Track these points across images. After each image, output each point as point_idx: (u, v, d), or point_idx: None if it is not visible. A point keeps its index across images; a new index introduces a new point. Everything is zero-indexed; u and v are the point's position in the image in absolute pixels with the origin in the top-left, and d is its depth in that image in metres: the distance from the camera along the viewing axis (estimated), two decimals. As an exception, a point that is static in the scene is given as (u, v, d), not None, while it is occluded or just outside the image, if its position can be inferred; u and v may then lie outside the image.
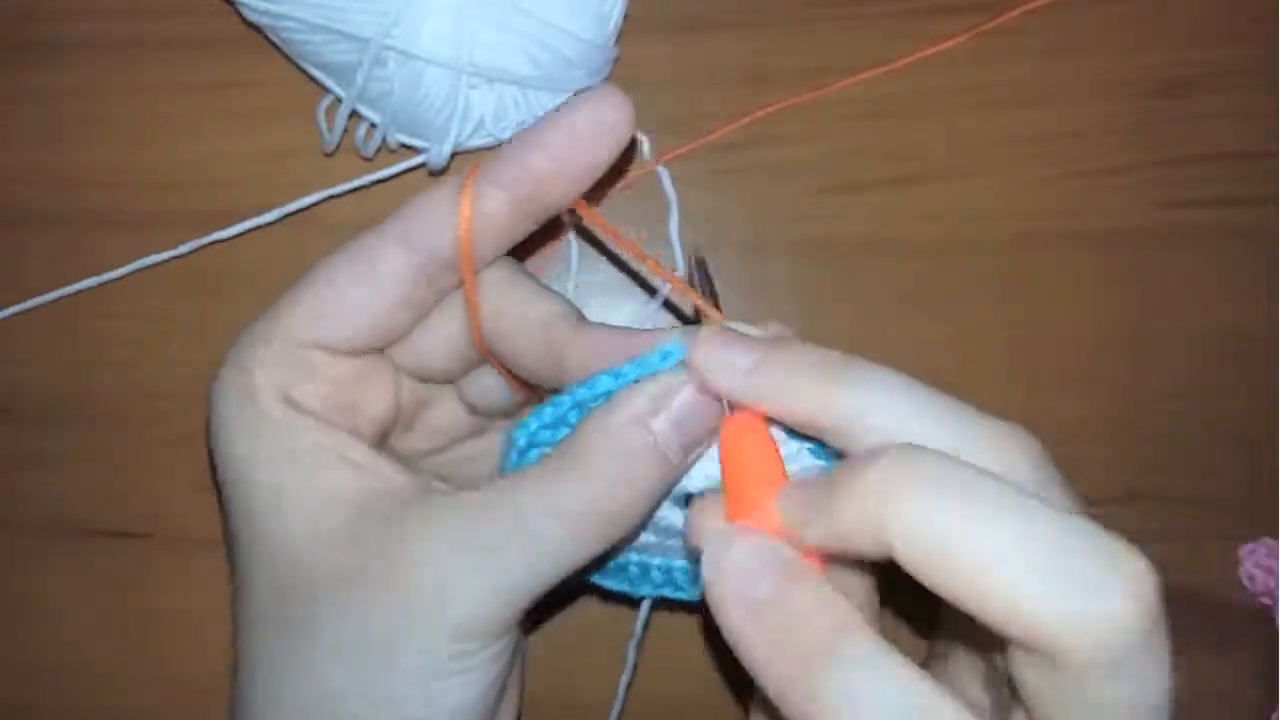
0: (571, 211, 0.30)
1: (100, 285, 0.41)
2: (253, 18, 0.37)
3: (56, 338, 0.41)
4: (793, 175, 0.40)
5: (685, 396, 0.27)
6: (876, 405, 0.24)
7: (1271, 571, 0.38)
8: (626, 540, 0.31)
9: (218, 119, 0.41)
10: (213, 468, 0.30)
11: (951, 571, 0.21)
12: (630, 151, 0.29)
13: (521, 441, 0.30)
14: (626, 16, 0.38)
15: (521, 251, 0.31)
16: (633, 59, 0.40)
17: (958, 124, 0.40)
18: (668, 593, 0.34)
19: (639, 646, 0.35)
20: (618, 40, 0.38)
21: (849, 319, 0.40)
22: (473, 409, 0.34)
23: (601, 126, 0.28)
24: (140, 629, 0.41)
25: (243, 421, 0.28)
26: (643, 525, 0.30)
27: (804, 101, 0.40)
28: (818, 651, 0.23)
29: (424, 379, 0.32)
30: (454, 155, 0.39)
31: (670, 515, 0.31)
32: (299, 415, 0.28)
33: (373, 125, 0.38)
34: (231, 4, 0.37)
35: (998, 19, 0.40)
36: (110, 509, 0.41)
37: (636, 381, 0.28)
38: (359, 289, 0.29)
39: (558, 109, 0.28)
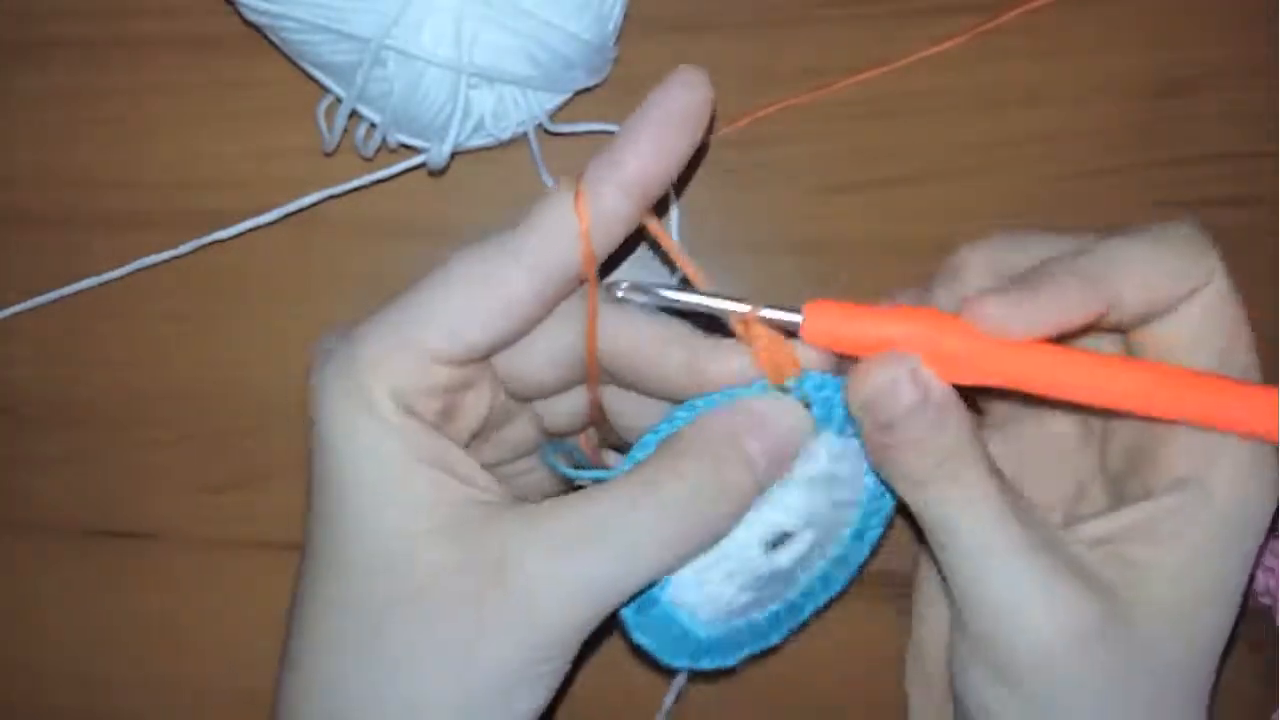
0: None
1: (100, 285, 0.41)
2: (253, 18, 0.37)
3: (56, 338, 0.41)
4: (793, 175, 0.40)
5: (781, 422, 0.29)
6: (1129, 276, 0.29)
7: (1272, 571, 0.38)
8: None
9: (218, 119, 0.41)
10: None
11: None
12: (708, 131, 0.30)
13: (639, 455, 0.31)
14: (626, 16, 0.38)
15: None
16: (633, 59, 0.40)
17: (958, 124, 0.40)
18: (748, 650, 0.33)
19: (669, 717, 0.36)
20: (618, 40, 0.38)
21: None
22: (545, 430, 0.34)
23: (693, 111, 0.29)
24: (140, 630, 0.41)
25: (352, 421, 0.28)
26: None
27: (804, 101, 0.40)
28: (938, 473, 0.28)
29: (518, 394, 0.33)
30: (454, 155, 0.39)
31: (765, 563, 0.31)
32: (410, 419, 0.29)
33: (373, 125, 0.38)
34: (231, 4, 0.37)
35: (998, 19, 0.40)
36: (110, 509, 0.41)
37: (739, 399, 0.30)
38: (476, 300, 0.29)
39: (650, 101, 0.29)
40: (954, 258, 0.31)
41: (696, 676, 0.36)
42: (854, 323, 0.29)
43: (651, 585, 0.29)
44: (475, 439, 0.32)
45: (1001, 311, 0.28)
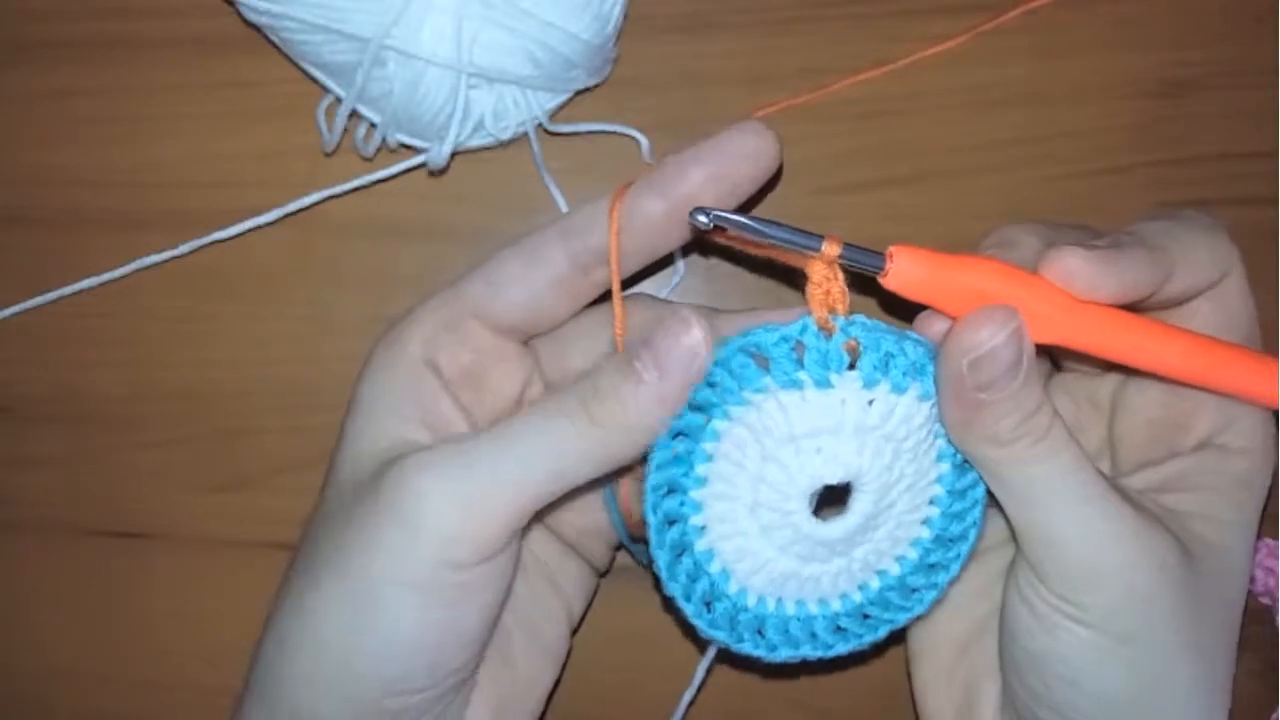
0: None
1: (100, 285, 0.41)
2: (253, 18, 0.37)
3: (56, 338, 0.41)
4: (793, 175, 0.40)
5: (660, 329, 0.29)
6: (1183, 256, 0.31)
7: (1272, 571, 0.38)
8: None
9: (218, 119, 0.41)
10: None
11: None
12: (772, 180, 0.33)
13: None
14: (626, 16, 0.38)
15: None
16: (633, 59, 0.40)
17: (958, 124, 0.40)
18: (806, 652, 0.33)
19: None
20: (618, 40, 0.38)
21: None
22: None
23: (753, 151, 0.31)
24: (140, 629, 0.41)
25: (378, 360, 0.32)
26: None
27: (804, 102, 0.40)
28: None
29: (558, 384, 0.34)
30: (454, 155, 0.39)
31: (807, 524, 0.31)
32: (423, 368, 0.32)
33: (373, 125, 0.38)
34: (231, 4, 0.37)
35: (998, 19, 0.40)
36: (110, 509, 0.41)
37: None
38: (521, 268, 0.32)
39: (718, 134, 0.32)
40: (1003, 232, 0.32)
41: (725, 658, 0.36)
42: (943, 271, 0.29)
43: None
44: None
45: (1093, 270, 0.29)
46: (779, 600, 0.32)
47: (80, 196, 0.41)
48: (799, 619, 0.32)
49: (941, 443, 0.31)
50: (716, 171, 0.31)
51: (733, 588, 0.31)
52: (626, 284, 0.33)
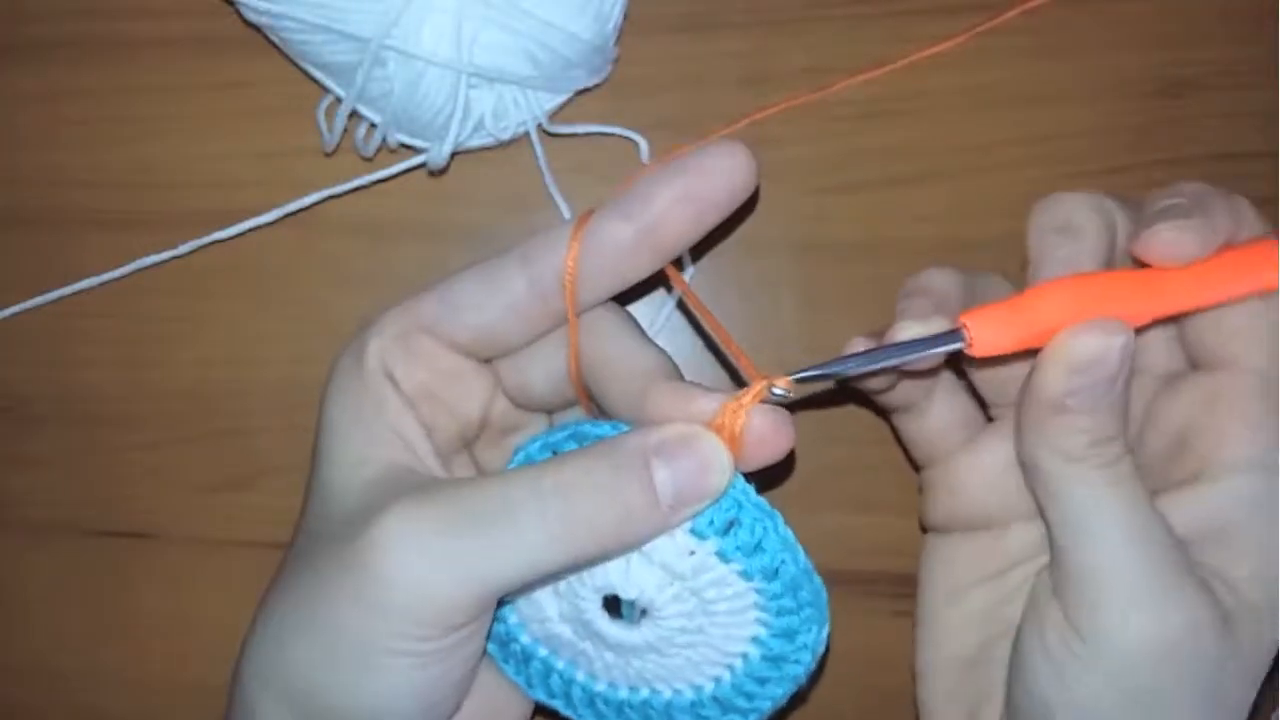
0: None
1: (100, 285, 0.41)
2: (253, 18, 0.37)
3: (56, 338, 0.41)
4: (793, 175, 0.40)
5: (700, 454, 0.28)
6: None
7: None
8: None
9: (218, 119, 0.41)
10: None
11: None
12: (748, 205, 0.31)
13: (520, 457, 0.31)
14: (626, 16, 0.38)
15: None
16: (633, 59, 0.40)
17: (958, 124, 0.40)
18: (557, 705, 0.33)
19: None
20: (618, 40, 0.38)
21: (849, 319, 0.40)
22: None
23: (725, 173, 0.30)
24: (139, 630, 0.41)
25: (343, 378, 0.31)
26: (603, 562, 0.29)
27: (804, 102, 0.40)
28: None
29: (522, 405, 0.33)
30: (454, 155, 0.39)
31: (592, 612, 0.30)
32: (385, 384, 0.31)
33: (373, 125, 0.38)
34: (231, 4, 0.37)
35: (997, 19, 0.40)
36: (109, 509, 0.41)
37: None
38: (478, 289, 0.31)
39: (689, 153, 0.30)
40: (1064, 215, 0.30)
41: None
42: (1019, 315, 0.28)
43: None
44: (481, 441, 0.33)
45: (1193, 233, 0.28)
46: (554, 654, 0.32)
47: (80, 197, 0.41)
48: (561, 677, 0.32)
49: (760, 629, 0.30)
50: (685, 193, 0.29)
51: (512, 618, 0.32)
52: (621, 301, 0.32)
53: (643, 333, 0.32)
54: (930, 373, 0.32)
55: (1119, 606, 0.29)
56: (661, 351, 0.31)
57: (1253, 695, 0.30)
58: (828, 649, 0.31)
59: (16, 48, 0.41)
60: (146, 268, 0.41)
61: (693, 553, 0.28)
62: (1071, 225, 0.30)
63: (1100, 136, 0.40)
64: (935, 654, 0.34)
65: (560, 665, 0.32)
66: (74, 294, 0.41)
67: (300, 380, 0.41)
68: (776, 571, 0.29)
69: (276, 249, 0.41)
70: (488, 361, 0.32)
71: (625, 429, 0.29)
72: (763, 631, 0.30)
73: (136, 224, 0.41)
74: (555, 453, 0.30)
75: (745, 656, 0.30)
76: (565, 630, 0.31)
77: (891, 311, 0.40)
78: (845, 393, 0.39)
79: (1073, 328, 0.28)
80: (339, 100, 0.38)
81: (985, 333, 0.28)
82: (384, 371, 0.31)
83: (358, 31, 0.35)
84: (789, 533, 0.29)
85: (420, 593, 0.27)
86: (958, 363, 0.33)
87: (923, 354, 0.29)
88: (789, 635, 0.30)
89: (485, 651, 0.31)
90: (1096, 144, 0.40)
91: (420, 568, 0.27)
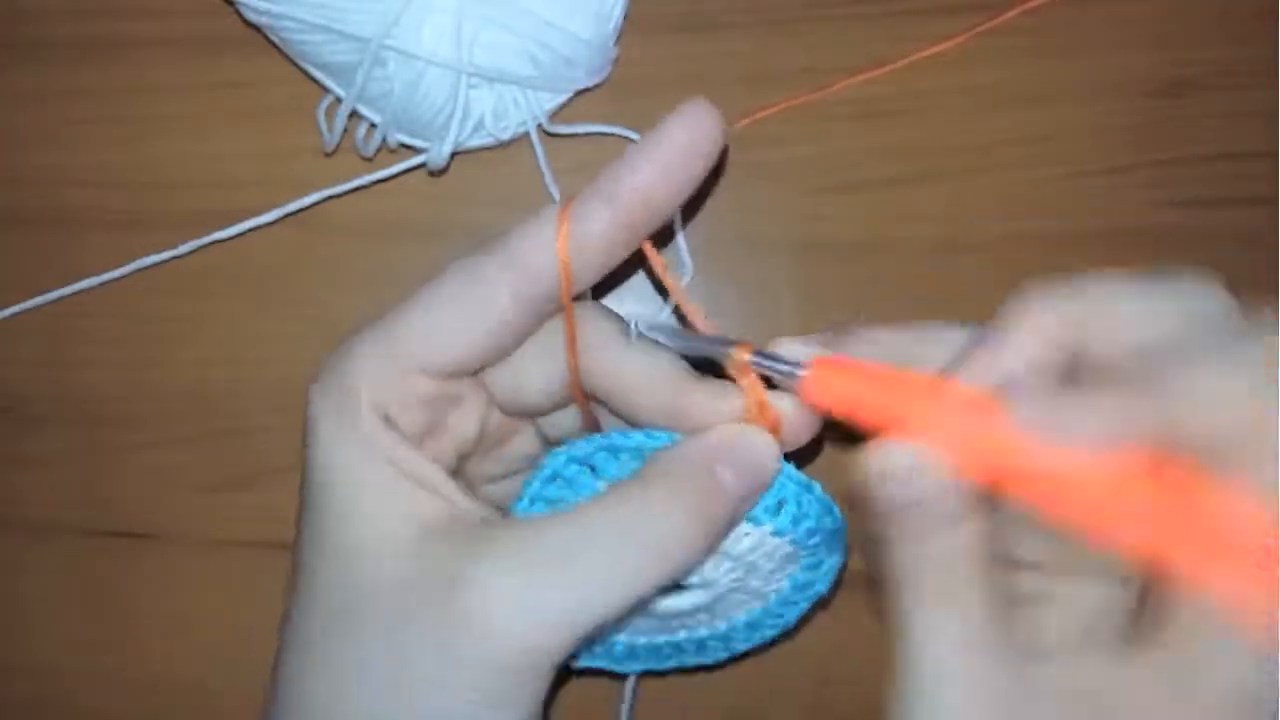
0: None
1: (100, 285, 0.41)
2: (253, 18, 0.37)
3: (56, 338, 0.41)
4: (793, 175, 0.40)
5: (757, 451, 0.28)
6: (1100, 314, 0.26)
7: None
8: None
9: (218, 119, 0.41)
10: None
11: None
12: (719, 168, 0.30)
13: (547, 472, 0.31)
14: (626, 16, 0.38)
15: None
16: (633, 59, 0.40)
17: (957, 124, 0.40)
18: (599, 663, 0.35)
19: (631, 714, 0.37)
20: (618, 40, 0.38)
21: (849, 318, 0.40)
22: (547, 442, 0.34)
23: (696, 135, 0.29)
24: (140, 630, 0.41)
25: (337, 429, 0.29)
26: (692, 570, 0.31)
27: (804, 102, 0.40)
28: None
29: (514, 412, 0.32)
30: (454, 155, 0.39)
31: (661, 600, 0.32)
32: (391, 433, 0.29)
33: (373, 125, 0.38)
34: (231, 4, 0.37)
35: (997, 19, 0.40)
36: (109, 509, 0.41)
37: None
38: (461, 312, 0.29)
39: (654, 129, 0.29)
40: (1008, 312, 0.27)
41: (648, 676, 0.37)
42: (866, 390, 0.27)
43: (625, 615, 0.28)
44: (474, 455, 0.33)
45: (1040, 417, 0.25)
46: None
47: (80, 197, 0.41)
48: (602, 641, 0.34)
49: (796, 568, 0.32)
50: (661, 167, 0.29)
51: None
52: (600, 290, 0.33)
53: (626, 329, 0.31)
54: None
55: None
56: (663, 351, 0.31)
57: None
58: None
59: (16, 48, 0.41)
60: (146, 268, 0.41)
61: (747, 534, 0.30)
62: (1005, 327, 0.27)
63: (1100, 136, 0.40)
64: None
65: (642, 640, 0.34)
66: (74, 294, 0.41)
67: (300, 380, 0.40)
68: (816, 531, 0.30)
69: (276, 249, 0.41)
70: (476, 374, 0.31)
71: (661, 435, 0.29)
72: (796, 569, 0.32)
73: (136, 224, 0.41)
74: (589, 466, 0.30)
75: (778, 590, 0.33)
76: (639, 622, 0.33)
77: (891, 311, 0.40)
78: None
79: (892, 439, 0.26)
80: (339, 100, 0.38)
81: (826, 381, 0.27)
82: (382, 418, 0.29)
83: (358, 31, 0.35)
84: (825, 496, 0.30)
85: (519, 642, 0.27)
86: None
87: (764, 365, 0.28)
88: (816, 566, 0.32)
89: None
90: (1096, 144, 0.40)
91: (522, 618, 0.26)
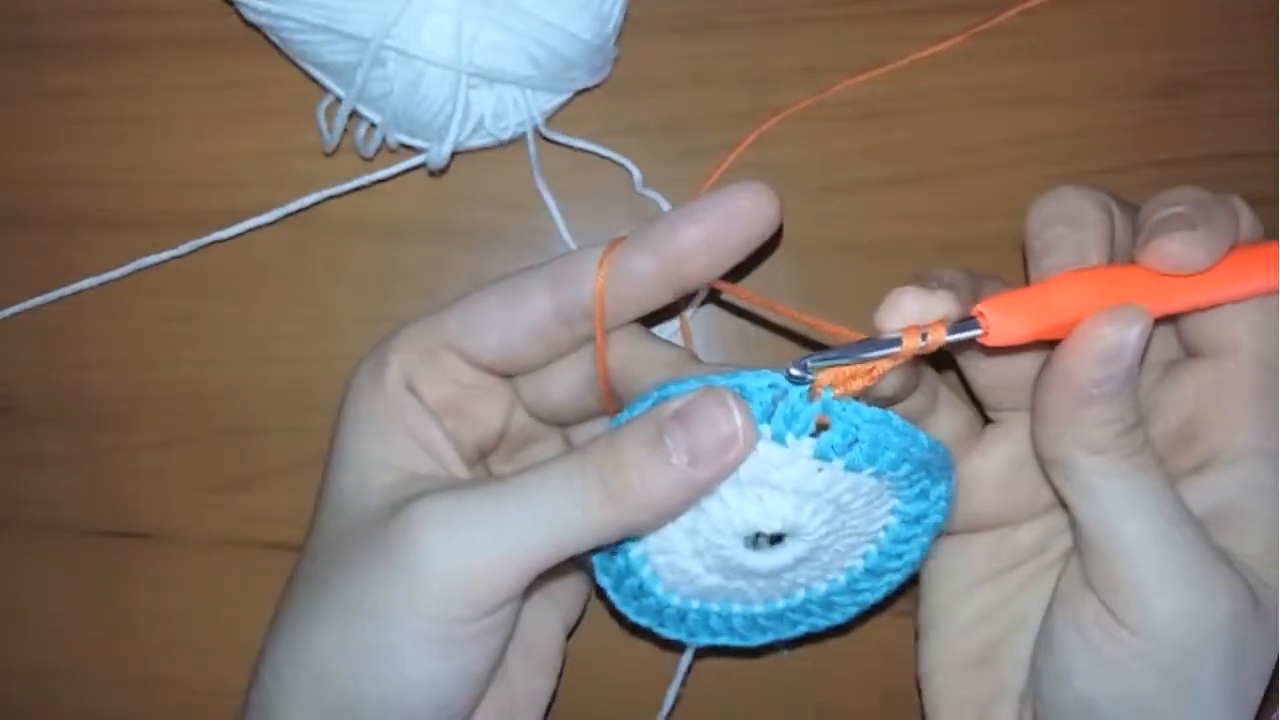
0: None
1: (100, 285, 0.41)
2: (253, 18, 0.37)
3: (56, 338, 0.41)
4: (792, 176, 0.40)
5: (710, 418, 0.28)
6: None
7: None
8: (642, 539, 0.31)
9: (218, 119, 0.41)
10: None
11: None
12: (771, 243, 0.32)
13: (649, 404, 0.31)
14: (626, 16, 0.38)
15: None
16: (633, 59, 0.40)
17: (957, 124, 0.40)
18: (724, 640, 0.34)
19: (679, 695, 0.36)
20: (618, 40, 0.38)
21: (849, 319, 0.40)
22: (572, 446, 0.35)
23: (750, 210, 0.30)
24: (140, 630, 0.41)
25: (362, 389, 0.32)
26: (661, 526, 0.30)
27: (805, 107, 0.40)
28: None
29: (541, 418, 0.34)
30: (454, 155, 0.39)
31: (738, 554, 0.31)
32: (408, 395, 0.31)
33: (373, 125, 0.38)
34: (231, 4, 0.37)
35: (997, 19, 0.40)
36: (109, 509, 0.41)
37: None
38: (502, 310, 0.31)
39: (714, 192, 0.30)
40: (1070, 205, 0.30)
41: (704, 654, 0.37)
42: (1032, 312, 0.28)
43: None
44: (497, 452, 0.34)
45: (1199, 250, 0.28)
46: (704, 601, 0.33)
47: (79, 197, 0.41)
48: (720, 615, 0.34)
49: (897, 501, 0.32)
50: (708, 235, 0.30)
51: (660, 589, 0.33)
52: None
53: (663, 341, 0.33)
54: (925, 361, 0.32)
55: (1167, 595, 0.28)
56: (682, 349, 0.32)
57: (1266, 676, 0.30)
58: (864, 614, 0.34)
59: (16, 47, 0.41)
60: (146, 268, 0.41)
61: (820, 470, 0.29)
62: (1077, 216, 0.30)
63: (1100, 136, 0.40)
64: (943, 654, 0.34)
65: (715, 608, 0.34)
66: (74, 294, 0.41)
67: (300, 380, 0.41)
68: (902, 460, 0.30)
69: (276, 249, 0.41)
70: (508, 377, 0.33)
71: (765, 373, 0.29)
72: (899, 503, 0.32)
73: (136, 224, 0.41)
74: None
75: (887, 528, 0.32)
76: (715, 579, 0.32)
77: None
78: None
79: (1096, 316, 0.28)
80: (339, 100, 0.38)
81: (1001, 321, 0.28)
82: (406, 384, 0.32)
83: (358, 31, 0.35)
84: (904, 424, 0.30)
85: (457, 569, 0.28)
86: (952, 363, 0.33)
87: (942, 342, 0.28)
88: (924, 495, 0.32)
89: (502, 658, 0.31)
90: (1096, 144, 0.40)
91: (458, 543, 0.28)
